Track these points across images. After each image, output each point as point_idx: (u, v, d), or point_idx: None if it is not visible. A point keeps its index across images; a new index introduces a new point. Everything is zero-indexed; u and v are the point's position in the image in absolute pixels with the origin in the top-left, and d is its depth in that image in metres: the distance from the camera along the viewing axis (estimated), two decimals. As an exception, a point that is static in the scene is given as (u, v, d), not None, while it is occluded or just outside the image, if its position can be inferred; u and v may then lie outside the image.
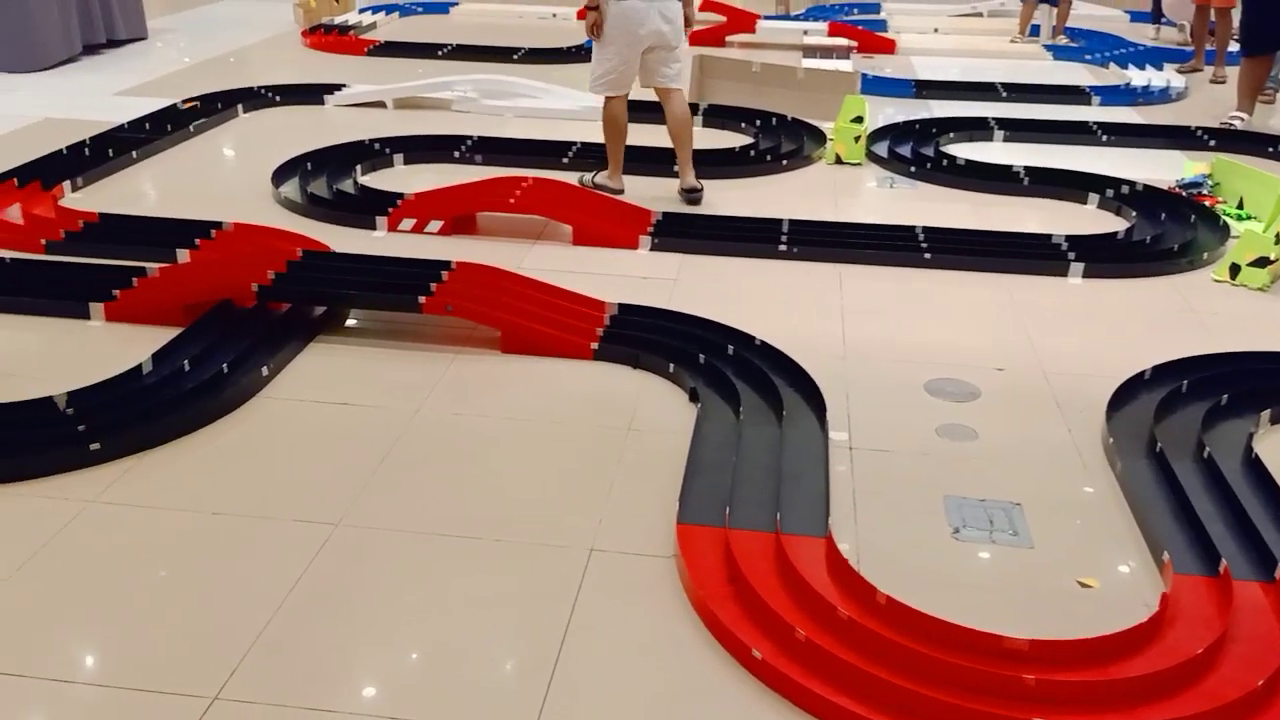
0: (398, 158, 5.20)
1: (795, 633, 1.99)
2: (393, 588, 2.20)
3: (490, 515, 2.44)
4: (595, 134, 5.48)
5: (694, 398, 2.97)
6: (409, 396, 2.96)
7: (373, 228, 4.26)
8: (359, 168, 4.99)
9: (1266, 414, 2.87)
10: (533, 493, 2.54)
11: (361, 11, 9.64)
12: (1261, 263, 3.78)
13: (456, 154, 5.24)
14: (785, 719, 1.88)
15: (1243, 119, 5.97)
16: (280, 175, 4.75)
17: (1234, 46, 6.47)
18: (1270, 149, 5.51)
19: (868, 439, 2.80)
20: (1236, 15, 6.66)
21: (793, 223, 4.26)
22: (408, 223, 4.26)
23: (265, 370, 3.03)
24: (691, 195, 4.62)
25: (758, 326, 3.30)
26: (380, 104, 6.24)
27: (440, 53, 7.70)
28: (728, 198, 4.75)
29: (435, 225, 4.23)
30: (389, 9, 9.84)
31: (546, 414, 2.91)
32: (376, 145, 5.23)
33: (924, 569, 2.29)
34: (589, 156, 5.16)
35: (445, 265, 3.51)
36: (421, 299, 3.27)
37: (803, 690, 1.90)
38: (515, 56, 7.68)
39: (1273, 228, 3.94)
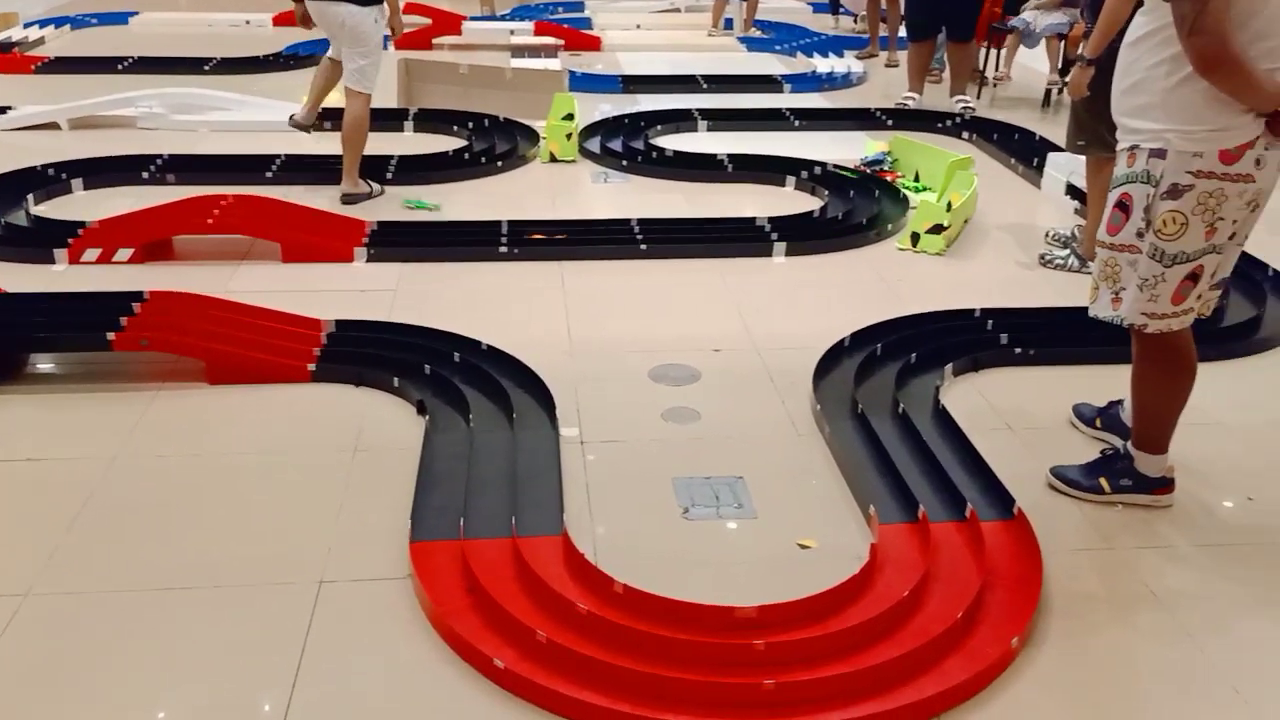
0: (76, 183, 4.77)
1: (536, 635, 1.99)
2: (99, 655, 2.01)
3: (206, 562, 2.28)
4: (300, 145, 5.28)
5: (421, 410, 2.91)
6: (104, 443, 2.72)
7: (51, 261, 3.89)
8: (31, 197, 4.54)
9: (949, 368, 3.16)
10: (253, 531, 2.40)
11: (27, 26, 8.74)
12: (937, 229, 4.15)
13: (146, 174, 4.87)
14: (533, 723, 1.87)
15: (914, 99, 6.55)
16: (-64, 211, 4.24)
17: (904, 32, 7.06)
18: (939, 125, 6.06)
19: (598, 432, 2.84)
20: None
21: (511, 223, 4.26)
22: (93, 253, 3.91)
23: (-71, 432, 2.69)
24: (349, 198, 4.60)
25: (483, 331, 3.27)
26: (53, 125, 5.70)
27: (121, 66, 7.14)
28: (445, 203, 4.69)
29: (125, 254, 3.91)
30: (59, 22, 8.99)
31: (264, 445, 2.76)
32: (51, 170, 4.77)
33: (658, 552, 2.36)
34: (294, 170, 4.93)
35: (137, 296, 3.25)
36: (111, 335, 3.02)
37: (547, 692, 1.90)
38: (207, 68, 7.23)
39: (945, 196, 4.34)
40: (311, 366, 3.09)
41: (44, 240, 3.99)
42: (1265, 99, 2.08)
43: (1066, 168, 4.78)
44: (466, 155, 5.30)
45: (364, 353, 3.17)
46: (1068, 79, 3.90)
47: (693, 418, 2.94)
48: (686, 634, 2.02)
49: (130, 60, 7.25)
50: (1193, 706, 1.94)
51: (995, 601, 2.15)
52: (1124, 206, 2.26)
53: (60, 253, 3.90)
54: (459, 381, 2.98)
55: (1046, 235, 4.27)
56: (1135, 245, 2.27)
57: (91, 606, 2.14)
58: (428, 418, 2.85)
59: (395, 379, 3.04)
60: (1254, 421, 2.96)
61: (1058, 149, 5.01)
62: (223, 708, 1.89)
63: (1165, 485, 2.52)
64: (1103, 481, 2.54)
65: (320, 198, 4.54)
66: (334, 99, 4.71)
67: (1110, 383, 2.95)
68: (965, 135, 5.94)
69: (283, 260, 3.97)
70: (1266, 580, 2.29)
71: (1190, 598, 2.22)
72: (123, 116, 5.79)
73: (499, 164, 5.22)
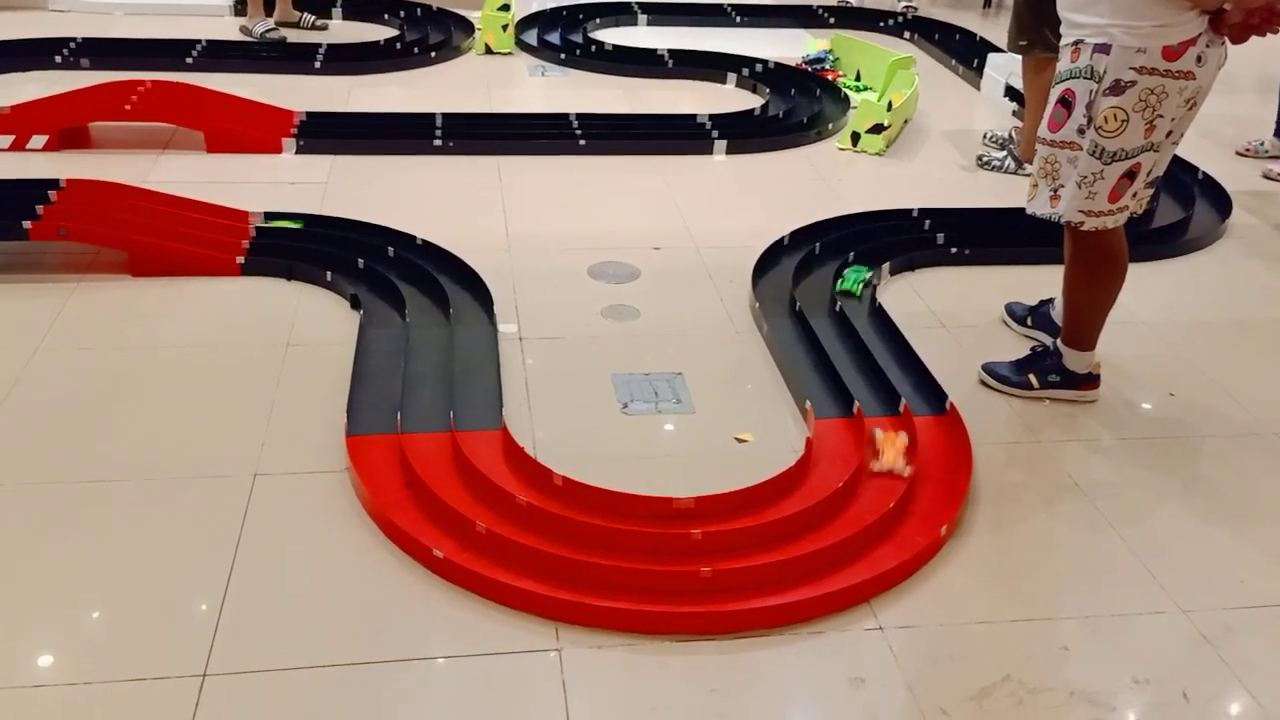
0: (-16, 66, 4.51)
1: (475, 526, 2.00)
2: (28, 546, 1.97)
3: (136, 456, 2.23)
4: (221, 31, 5.05)
5: (355, 305, 2.85)
6: (24, 335, 2.63)
7: (-40, 148, 3.70)
8: (-65, 79, 4.29)
9: (887, 266, 3.18)
10: (184, 425, 2.35)
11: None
12: (877, 129, 4.13)
13: (59, 59, 4.62)
14: (474, 612, 1.89)
15: (857, -3, 6.45)
16: None
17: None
18: (881, 24, 5.99)
19: (536, 328, 2.82)
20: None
21: (446, 116, 4.14)
22: (4, 139, 3.72)
23: None
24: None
25: (418, 225, 3.20)
26: (-46, 4, 5.37)
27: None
28: (377, 94, 4.54)
29: (39, 140, 3.73)
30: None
31: (193, 339, 2.69)
32: (-45, 53, 4.51)
33: (597, 446, 2.36)
34: (216, 56, 4.73)
35: (54, 184, 3.11)
36: (27, 224, 2.89)
37: (487, 581, 1.92)
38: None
39: (885, 96, 4.32)
40: (240, 259, 3.00)
41: (-49, 126, 3.78)
42: (1208, -4, 2.08)
43: (1006, 69, 4.78)
44: (399, 45, 5.12)
45: (295, 245, 3.09)
46: (1012, -23, 3.87)
47: (632, 315, 2.92)
48: (625, 524, 2.04)
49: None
50: (1109, 590, 2.02)
51: (926, 493, 2.20)
52: (1066, 102, 2.26)
53: (-31, 139, 3.71)
54: (394, 277, 2.93)
55: (984, 137, 4.28)
56: (1076, 142, 2.28)
57: (16, 498, 2.09)
58: (362, 312, 2.80)
59: (328, 273, 2.97)
60: (1178, 321, 3.04)
61: (998, 50, 5.00)
62: (157, 599, 1.87)
63: (1091, 381, 2.59)
64: (1031, 377, 2.59)
65: (246, 87, 4.35)
66: None
67: (1042, 282, 3.00)
68: (907, 35, 5.89)
69: (207, 150, 3.82)
70: (1183, 472, 2.38)
71: (1111, 488, 2.30)
72: (31, -3, 5.47)
73: (432, 55, 5.06)
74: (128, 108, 3.79)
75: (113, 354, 2.60)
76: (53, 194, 3.04)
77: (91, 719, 1.64)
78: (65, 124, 3.78)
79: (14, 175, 3.36)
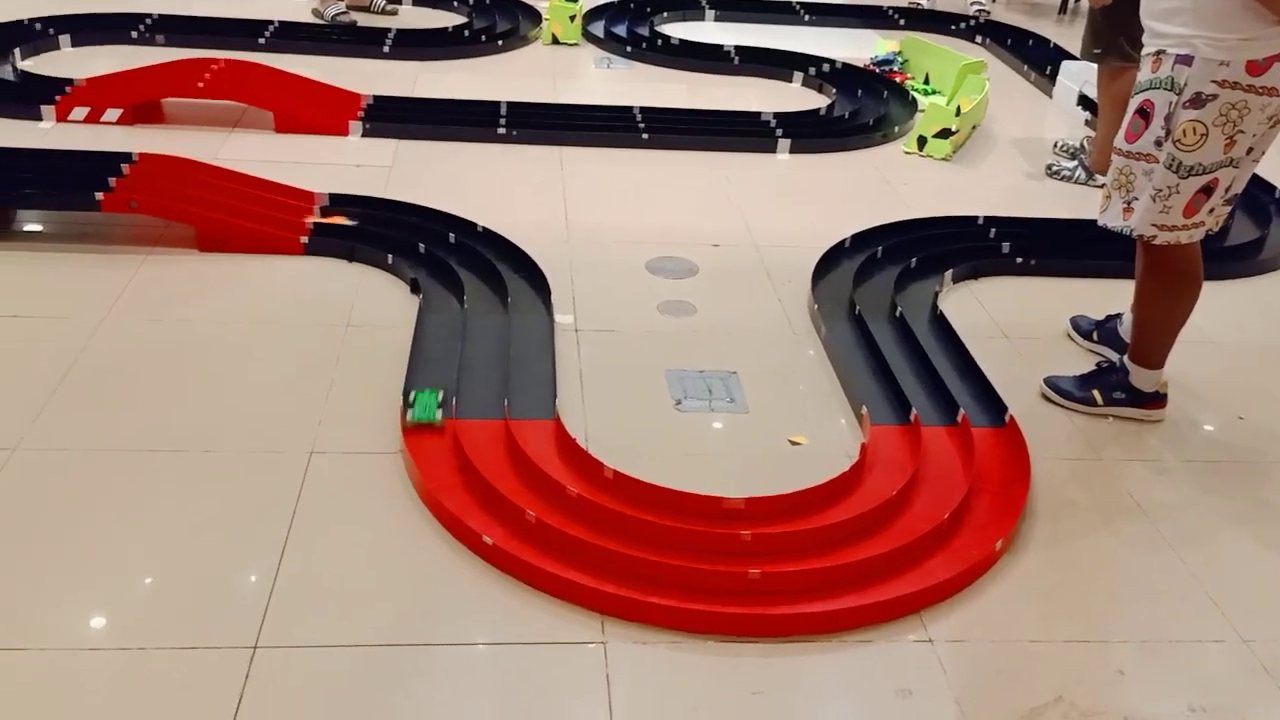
0: (64, 39, 4.62)
1: (525, 515, 2.00)
2: (88, 511, 2.01)
3: (197, 426, 2.27)
4: (293, 12, 5.12)
5: (415, 289, 2.87)
6: (93, 305, 2.68)
7: (38, 118, 3.78)
8: (18, 51, 4.39)
9: (949, 274, 3.13)
10: (244, 399, 2.39)
11: None
12: (945, 134, 4.07)
13: (135, 34, 4.71)
14: (520, 599, 1.89)
15: (928, -1, 6.37)
16: (-83, 60, 4.10)
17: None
18: (953, 26, 5.91)
19: (592, 320, 2.82)
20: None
21: (511, 105, 4.15)
22: (80, 111, 3.80)
23: (-88, 284, 2.65)
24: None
25: (479, 212, 3.22)
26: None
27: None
28: (443, 80, 4.57)
29: (113, 114, 3.80)
30: None
31: (255, 315, 2.73)
32: (38, 25, 4.61)
33: (649, 441, 2.36)
34: (287, 36, 4.79)
35: (127, 158, 3.17)
36: (100, 195, 2.95)
37: (535, 570, 1.92)
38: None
39: (954, 101, 4.25)
40: (305, 239, 3.04)
41: (31, 96, 3.87)
42: (1300, 10, 2.01)
43: (1080, 77, 4.68)
44: (466, 33, 5.15)
45: (358, 228, 3.11)
46: (1090, -16, 3.78)
47: (688, 311, 2.91)
48: (674, 521, 2.03)
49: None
50: (1168, 614, 1.97)
51: (982, 505, 2.17)
52: (1144, 113, 2.21)
53: (48, 109, 3.79)
54: (454, 263, 2.94)
55: (1055, 146, 4.20)
56: (1152, 154, 2.22)
57: (80, 464, 2.13)
58: (421, 297, 2.82)
59: (389, 256, 2.99)
60: (1250, 343, 2.96)
61: (1072, 57, 4.90)
62: (212, 569, 1.90)
63: (1158, 400, 2.53)
64: (1096, 393, 2.54)
65: (315, 68, 4.40)
66: None
67: (1109, 296, 2.94)
68: (978, 39, 5.80)
69: (275, 130, 3.87)
70: (1249, 497, 2.32)
71: (1173, 510, 2.25)
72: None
73: (499, 43, 5.07)
74: (200, 85, 3.85)
75: (178, 327, 2.65)
76: (125, 167, 3.10)
77: (145, 683, 1.67)
78: (139, 99, 3.85)
79: (88, 147, 3.43)
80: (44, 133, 3.71)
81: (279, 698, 1.66)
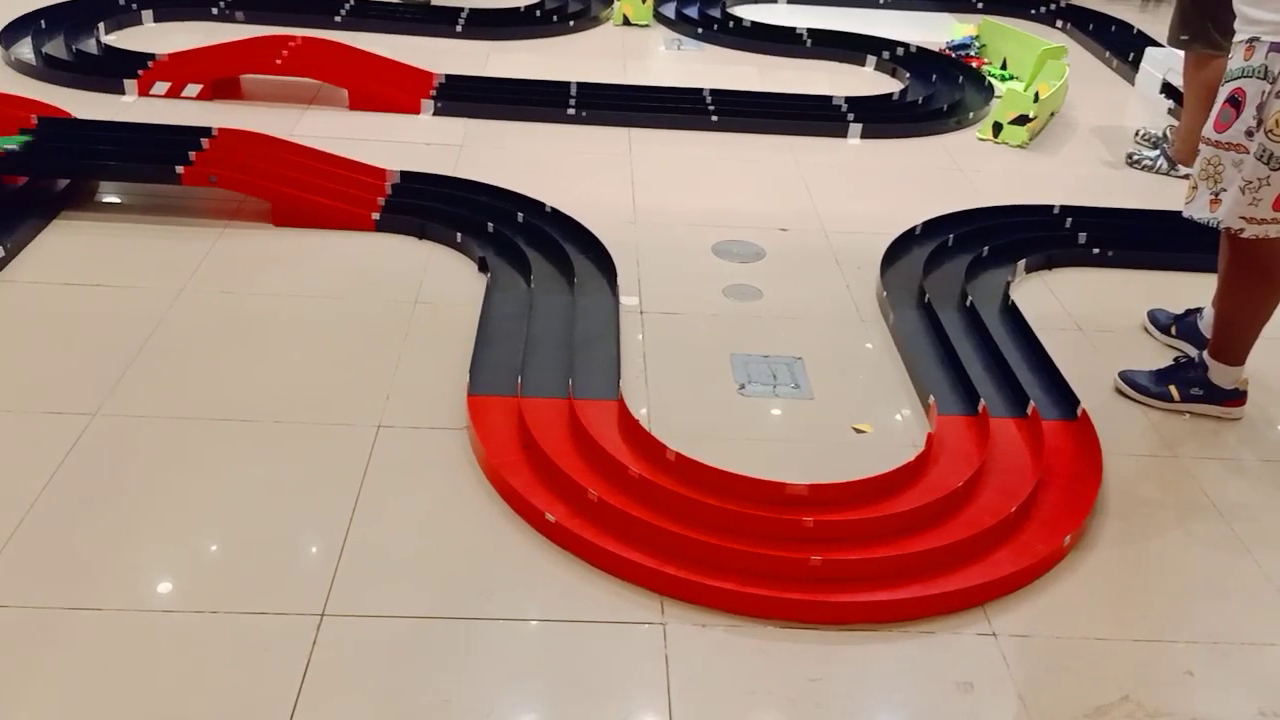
0: (146, 14, 4.73)
1: (588, 494, 2.01)
2: (163, 476, 2.07)
3: (268, 397, 2.32)
4: (369, -10, 5.16)
5: (483, 267, 2.89)
6: (171, 276, 2.75)
7: (121, 92, 3.88)
8: (102, 25, 4.50)
9: (1022, 264, 3.07)
10: (314, 372, 2.43)
11: None
12: (1021, 121, 3.98)
13: (215, 10, 4.81)
14: (580, 577, 1.90)
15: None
16: (9, 35, 4.22)
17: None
18: (1033, 10, 5.77)
19: (657, 303, 2.82)
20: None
21: (581, 85, 4.16)
22: (161, 86, 3.89)
23: (1, 250, 2.73)
24: None
25: (547, 192, 3.23)
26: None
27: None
28: (514, 60, 4.59)
29: (193, 89, 3.89)
30: None
31: (326, 289, 2.77)
32: (122, 1, 4.72)
33: (712, 425, 2.35)
34: (362, 15, 4.85)
35: (206, 132, 3.23)
36: (180, 169, 3.02)
37: (596, 549, 1.93)
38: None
39: (1032, 87, 4.16)
40: (376, 216, 3.08)
41: (114, 70, 3.97)
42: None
43: (1164, 64, 4.55)
44: (538, 12, 5.16)
45: (428, 206, 3.15)
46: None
47: (754, 295, 2.90)
48: (736, 505, 2.03)
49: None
50: (1240, 616, 1.92)
51: (1051, 499, 2.13)
52: (1235, 102, 2.14)
53: (130, 83, 3.89)
54: (521, 242, 2.96)
55: (1136, 134, 4.09)
56: (1243, 144, 2.15)
57: (157, 430, 2.19)
58: (489, 275, 2.84)
59: (458, 234, 3.02)
60: (1335, 341, 2.85)
61: (1156, 44, 4.76)
62: (281, 538, 1.95)
63: (1237, 398, 2.46)
64: (1172, 389, 2.48)
65: (388, 47, 4.45)
66: None
67: (1189, 290, 2.86)
68: (1059, 24, 5.66)
69: (349, 107, 3.92)
70: (1331, 501, 2.24)
71: (1250, 510, 2.18)
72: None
73: (571, 24, 5.08)
74: (278, 62, 3.92)
75: (252, 299, 2.70)
76: (205, 141, 3.17)
77: (213, 647, 1.71)
78: (218, 75, 3.93)
79: (169, 121, 3.51)
80: (126, 106, 3.80)
81: (344, 665, 1.70)
